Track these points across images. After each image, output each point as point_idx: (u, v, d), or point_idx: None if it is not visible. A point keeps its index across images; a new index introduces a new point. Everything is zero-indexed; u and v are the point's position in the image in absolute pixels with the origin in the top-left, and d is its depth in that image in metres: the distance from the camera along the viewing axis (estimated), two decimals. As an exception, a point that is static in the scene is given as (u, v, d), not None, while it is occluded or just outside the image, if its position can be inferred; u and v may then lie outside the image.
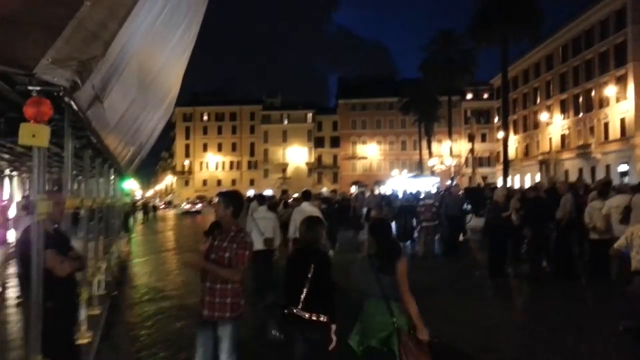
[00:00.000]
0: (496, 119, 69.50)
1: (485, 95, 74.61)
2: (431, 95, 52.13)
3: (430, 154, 55.07)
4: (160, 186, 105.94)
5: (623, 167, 39.21)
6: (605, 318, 6.41)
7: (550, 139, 53.53)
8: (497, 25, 33.46)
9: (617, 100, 40.86)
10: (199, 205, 56.12)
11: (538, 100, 56.17)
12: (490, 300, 7.83)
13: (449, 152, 51.98)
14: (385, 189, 30.28)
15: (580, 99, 47.05)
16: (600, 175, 38.51)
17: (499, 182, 43.34)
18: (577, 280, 8.54)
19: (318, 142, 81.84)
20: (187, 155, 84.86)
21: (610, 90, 40.86)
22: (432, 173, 51.69)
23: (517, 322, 6.51)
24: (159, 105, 9.81)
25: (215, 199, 3.88)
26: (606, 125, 43.15)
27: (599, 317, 6.57)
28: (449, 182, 45.77)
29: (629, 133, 39.54)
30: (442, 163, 51.91)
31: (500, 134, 58.67)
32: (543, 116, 52.77)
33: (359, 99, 77.96)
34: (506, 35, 34.00)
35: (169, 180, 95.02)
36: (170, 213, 56.05)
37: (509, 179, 35.62)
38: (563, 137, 51.09)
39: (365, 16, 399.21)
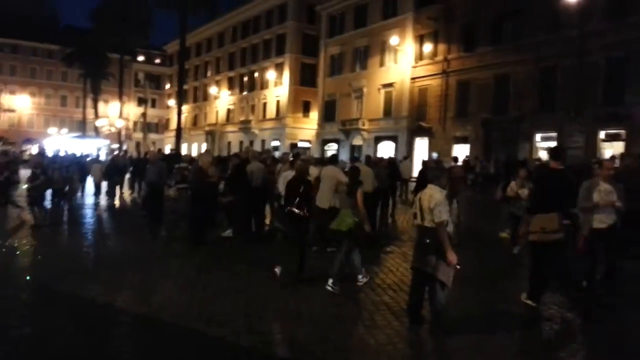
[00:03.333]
0: (167, 86, 69.56)
1: (158, 61, 73.47)
2: (101, 50, 47.90)
3: (97, 114, 50.78)
4: None
5: (275, 143, 45.49)
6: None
7: (217, 112, 57.23)
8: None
9: (275, 84, 46.89)
10: None
11: (209, 74, 59.02)
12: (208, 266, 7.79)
13: (118, 114, 49.16)
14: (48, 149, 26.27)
15: (246, 79, 51.89)
16: (257, 148, 43.61)
17: (167, 149, 43.81)
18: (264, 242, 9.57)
19: (-57, 84, 64.01)
20: None
21: (270, 75, 46.54)
22: (98, 134, 47.99)
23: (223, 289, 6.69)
24: None
25: None
26: (265, 105, 49.05)
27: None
28: (117, 146, 43.58)
29: (282, 114, 46.13)
30: (111, 125, 48.53)
31: (172, 102, 59.36)
32: (212, 90, 55.97)
33: (8, 39, 64.48)
34: (185, 3, 34.11)
35: None
36: None
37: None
38: (229, 111, 55.38)
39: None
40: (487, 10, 28.85)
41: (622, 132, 23.29)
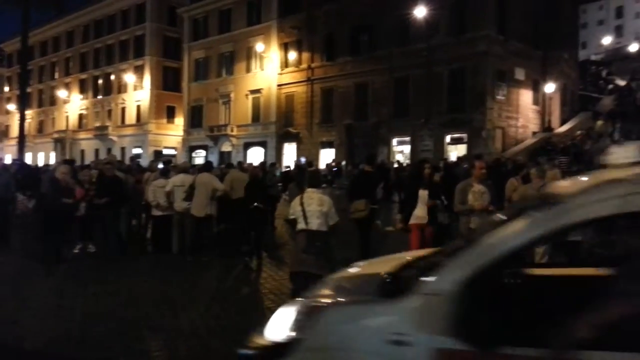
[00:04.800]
0: (7, 89, 61.65)
1: (-7, 60, 64.69)
2: None
3: None
4: None
5: (137, 150, 42.85)
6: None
7: (68, 117, 52.21)
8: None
9: (135, 88, 44.18)
10: None
11: (56, 76, 53.60)
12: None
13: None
14: None
15: (100, 82, 48.13)
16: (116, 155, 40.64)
17: (8, 159, 38.82)
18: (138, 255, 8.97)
19: None
20: None
21: (129, 78, 43.76)
22: None
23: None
24: None
25: None
26: (123, 110, 45.92)
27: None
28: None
29: (144, 120, 43.65)
30: None
31: (12, 106, 52.86)
32: (61, 93, 50.91)
33: None
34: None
35: None
36: None
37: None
38: (81, 116, 50.87)
39: None
40: (345, 23, 30.53)
41: (464, 135, 26.30)
